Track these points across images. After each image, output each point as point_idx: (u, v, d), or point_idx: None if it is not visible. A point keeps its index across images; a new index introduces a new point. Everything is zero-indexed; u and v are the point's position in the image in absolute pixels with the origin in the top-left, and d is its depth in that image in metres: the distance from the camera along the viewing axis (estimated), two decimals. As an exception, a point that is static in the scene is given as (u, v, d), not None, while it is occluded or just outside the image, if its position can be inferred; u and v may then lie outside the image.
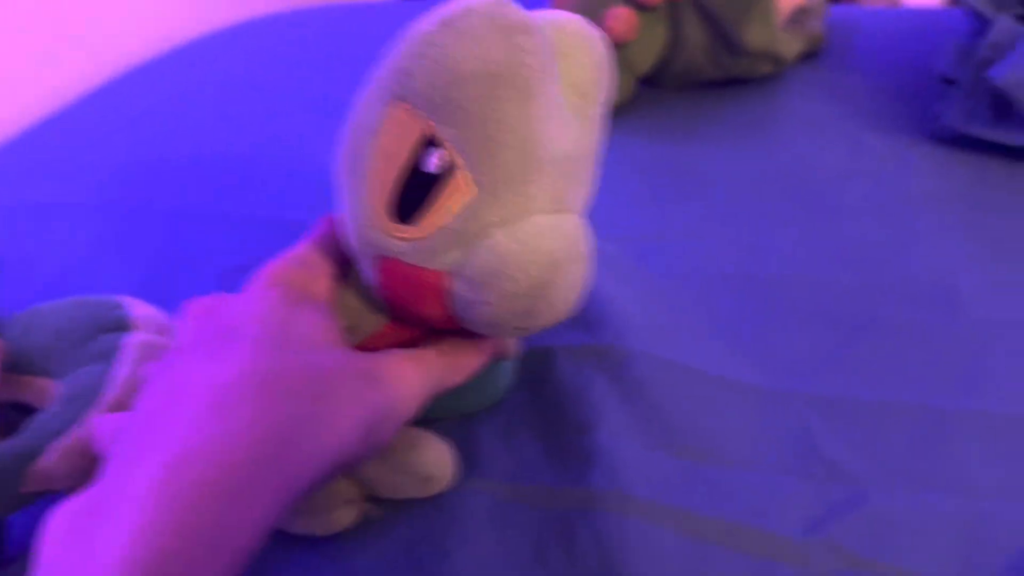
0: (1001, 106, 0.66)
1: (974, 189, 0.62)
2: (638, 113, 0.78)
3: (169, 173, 0.73)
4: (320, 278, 0.36)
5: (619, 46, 0.73)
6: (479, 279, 0.30)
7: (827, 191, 0.65)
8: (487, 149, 0.29)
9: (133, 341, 0.46)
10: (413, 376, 0.34)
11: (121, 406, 0.43)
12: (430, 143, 0.29)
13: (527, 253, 0.29)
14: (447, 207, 0.30)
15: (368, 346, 0.36)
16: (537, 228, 0.29)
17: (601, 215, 0.63)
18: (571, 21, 0.33)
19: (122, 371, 0.44)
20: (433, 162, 0.29)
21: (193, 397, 0.28)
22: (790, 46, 0.78)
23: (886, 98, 0.76)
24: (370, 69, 0.32)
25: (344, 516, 0.41)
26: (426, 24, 0.29)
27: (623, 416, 0.45)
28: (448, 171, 0.29)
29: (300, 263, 0.36)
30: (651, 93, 0.81)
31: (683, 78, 0.80)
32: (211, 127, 0.79)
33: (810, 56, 0.86)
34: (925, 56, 0.79)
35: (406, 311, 0.34)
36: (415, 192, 0.30)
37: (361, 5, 1.09)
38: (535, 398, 0.47)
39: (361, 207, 0.32)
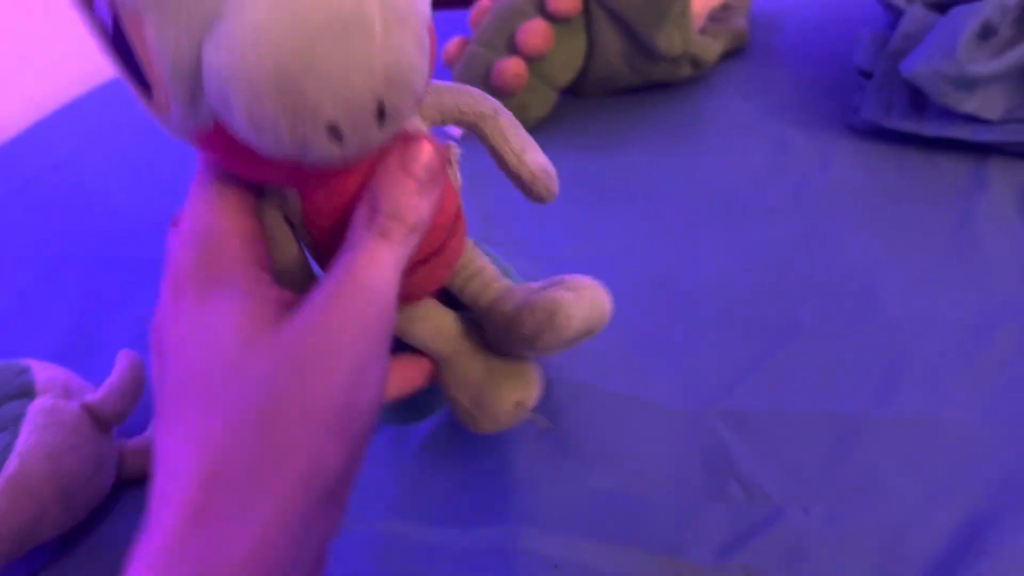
0: (918, 97, 0.65)
1: (892, 182, 0.62)
2: (559, 125, 0.78)
3: (86, 222, 0.72)
4: (233, 228, 0.29)
5: (537, 60, 0.73)
6: (222, 107, 0.23)
7: (750, 193, 0.64)
8: None
9: (36, 408, 0.45)
10: (358, 306, 0.27)
11: (27, 476, 0.42)
12: None
13: (234, 46, 0.21)
14: (149, 58, 0.23)
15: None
16: (233, 14, 0.21)
17: (520, 232, 0.63)
18: None
19: (24, 441, 0.43)
20: (104, 21, 0.23)
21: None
22: (710, 47, 0.78)
23: (810, 93, 0.76)
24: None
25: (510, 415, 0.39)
26: None
27: (538, 447, 0.45)
28: (117, 20, 0.23)
29: (200, 236, 0.29)
30: (571, 103, 0.81)
31: (603, 86, 0.79)
32: (128, 171, 0.78)
33: (734, 53, 0.86)
34: (849, 48, 0.79)
35: (251, 175, 0.28)
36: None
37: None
38: (447, 430, 0.47)
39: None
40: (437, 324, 0.38)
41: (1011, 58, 0.60)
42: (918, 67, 0.61)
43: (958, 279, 0.52)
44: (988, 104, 0.61)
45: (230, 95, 0.22)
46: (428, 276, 0.34)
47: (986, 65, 0.59)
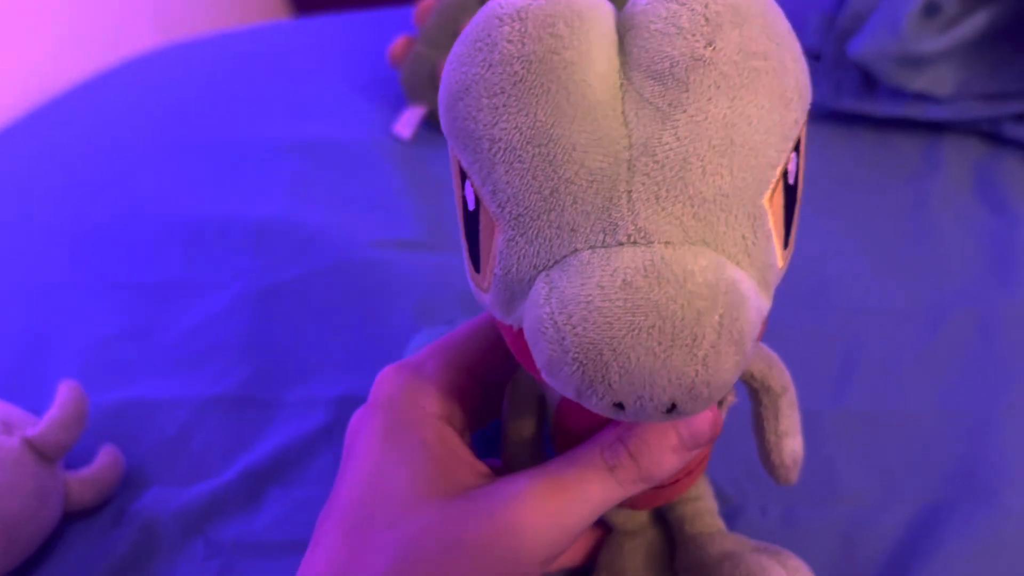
0: (868, 77, 0.65)
1: (845, 166, 0.62)
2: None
3: (34, 242, 0.70)
4: (443, 379, 0.31)
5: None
6: (529, 340, 0.23)
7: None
8: (494, 173, 0.23)
9: (-28, 446, 0.44)
10: (535, 513, 0.27)
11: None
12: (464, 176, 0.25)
13: (561, 303, 0.22)
14: (489, 250, 0.25)
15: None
16: (576, 269, 0.22)
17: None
18: None
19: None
20: (468, 198, 0.25)
21: None
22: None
23: (760, 77, 0.75)
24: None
25: None
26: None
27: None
28: (479, 207, 0.24)
29: (411, 369, 0.32)
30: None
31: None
32: (75, 189, 0.76)
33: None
34: (798, 29, 0.78)
35: (531, 372, 0.27)
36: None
37: (246, 31, 1.05)
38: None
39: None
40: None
41: (958, 34, 0.59)
42: (864, 47, 0.61)
43: (912, 266, 0.52)
44: (938, 81, 0.61)
45: (539, 340, 0.22)
46: (644, 499, 0.32)
47: (933, 42, 0.59)
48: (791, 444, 0.34)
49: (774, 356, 0.33)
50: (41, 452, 0.45)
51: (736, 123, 0.22)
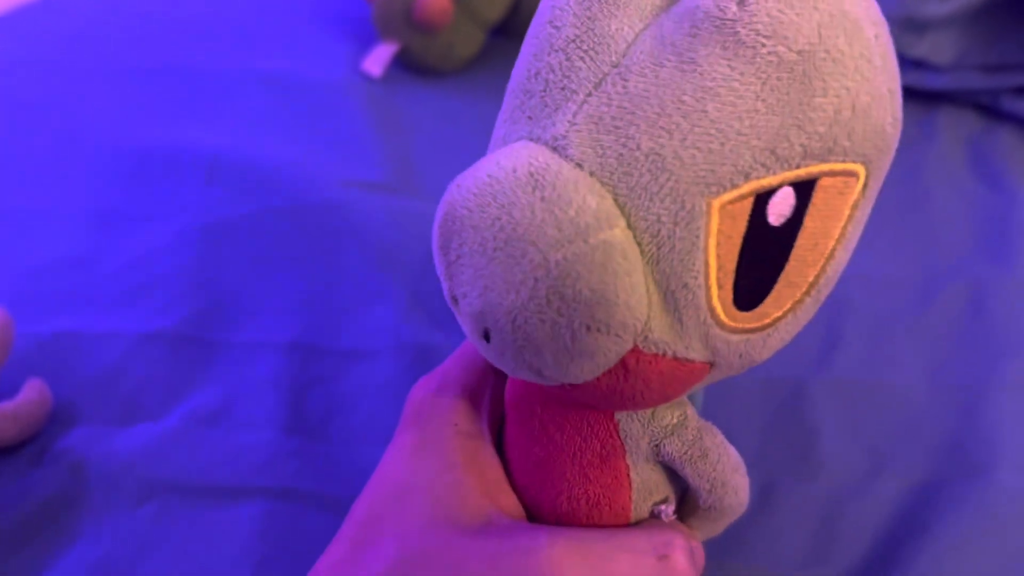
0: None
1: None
2: (488, 67, 0.74)
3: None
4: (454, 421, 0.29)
5: (462, -4, 0.68)
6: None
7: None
8: (520, 55, 0.25)
9: None
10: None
11: None
12: None
13: (465, 173, 0.22)
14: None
15: None
16: (502, 151, 0.22)
17: (442, 179, 0.59)
18: None
19: None
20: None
21: None
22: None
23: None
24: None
25: None
26: None
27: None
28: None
29: (439, 381, 0.30)
30: (502, 45, 0.76)
31: (535, 26, 0.75)
32: (16, 112, 0.71)
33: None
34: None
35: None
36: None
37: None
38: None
39: None
40: None
41: (963, 0, 0.57)
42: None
43: (904, 235, 0.50)
44: (938, 49, 0.59)
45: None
46: None
47: (937, 7, 0.56)
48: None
49: (726, 476, 0.28)
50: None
51: (720, 93, 0.19)
